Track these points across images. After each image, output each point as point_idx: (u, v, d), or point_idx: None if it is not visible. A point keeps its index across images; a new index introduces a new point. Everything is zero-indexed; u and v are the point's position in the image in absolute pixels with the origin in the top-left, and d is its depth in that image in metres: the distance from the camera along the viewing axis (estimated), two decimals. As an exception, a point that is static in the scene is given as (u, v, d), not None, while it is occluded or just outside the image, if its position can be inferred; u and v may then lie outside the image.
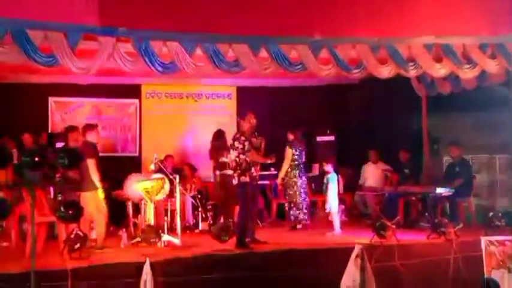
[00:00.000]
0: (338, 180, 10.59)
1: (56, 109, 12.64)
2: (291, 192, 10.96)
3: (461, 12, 9.21)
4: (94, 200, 8.75)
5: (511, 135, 10.44)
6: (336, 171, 10.70)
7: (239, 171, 9.00)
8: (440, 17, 9.21)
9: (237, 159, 9.04)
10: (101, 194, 8.84)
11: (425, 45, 9.50)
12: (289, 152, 10.82)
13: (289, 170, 10.89)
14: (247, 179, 8.98)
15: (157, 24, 8.33)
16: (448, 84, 11.18)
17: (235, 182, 9.09)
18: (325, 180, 10.58)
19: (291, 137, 11.01)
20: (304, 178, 11.03)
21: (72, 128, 9.39)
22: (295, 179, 10.89)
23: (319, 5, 8.89)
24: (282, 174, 10.93)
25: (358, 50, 9.36)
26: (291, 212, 11.01)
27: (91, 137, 9.07)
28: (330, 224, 10.46)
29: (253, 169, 9.11)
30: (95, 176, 8.73)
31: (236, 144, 9.07)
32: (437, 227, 9.26)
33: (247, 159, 9.00)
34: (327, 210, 10.51)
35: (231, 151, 9.19)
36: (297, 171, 10.91)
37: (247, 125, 9.18)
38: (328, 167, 10.54)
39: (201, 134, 12.80)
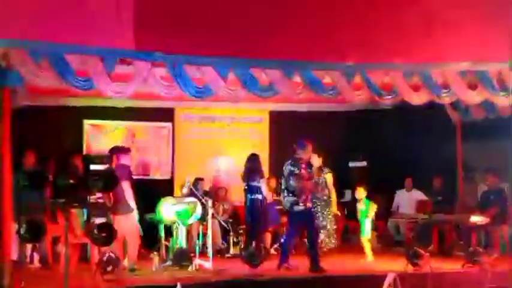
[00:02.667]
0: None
1: (91, 132, 12.80)
2: None
3: (496, 38, 9.11)
4: (128, 223, 8.83)
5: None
6: (368, 197, 10.63)
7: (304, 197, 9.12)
8: (474, 43, 9.12)
9: (299, 185, 9.13)
10: (135, 216, 8.92)
11: (459, 72, 9.43)
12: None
13: None
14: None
15: (192, 49, 8.40)
16: (483, 110, 11.06)
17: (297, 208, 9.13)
18: (359, 206, 10.51)
19: None
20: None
21: (119, 150, 9.45)
22: None
23: (352, 30, 8.87)
24: None
25: (391, 76, 9.33)
26: None
27: (125, 160, 9.17)
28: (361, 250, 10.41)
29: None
30: (131, 199, 8.82)
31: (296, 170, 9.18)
32: (472, 256, 9.12)
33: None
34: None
35: (291, 177, 9.17)
36: None
37: (307, 155, 9.28)
38: (361, 193, 10.48)
39: (233, 158, 12.85)
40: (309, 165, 9.36)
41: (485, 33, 9.09)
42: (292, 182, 9.20)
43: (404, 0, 8.86)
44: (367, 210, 10.42)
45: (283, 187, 9.37)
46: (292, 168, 9.25)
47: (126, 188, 8.79)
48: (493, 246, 10.26)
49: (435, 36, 8.99)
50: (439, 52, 9.19)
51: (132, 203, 8.90)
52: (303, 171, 9.25)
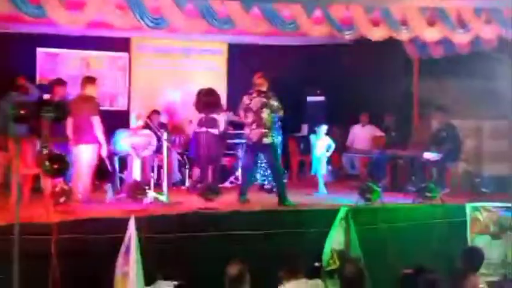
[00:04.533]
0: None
1: (44, 60, 12.47)
2: None
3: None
4: (90, 154, 8.76)
5: (500, 101, 10.43)
6: (328, 133, 10.70)
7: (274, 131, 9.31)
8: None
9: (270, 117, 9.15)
10: (102, 150, 8.85)
11: (419, 8, 9.39)
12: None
13: None
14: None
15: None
16: (441, 48, 11.09)
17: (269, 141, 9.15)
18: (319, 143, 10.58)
19: None
20: None
21: (59, 82, 9.30)
22: None
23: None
24: None
25: (351, 11, 9.24)
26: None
27: (90, 91, 9.00)
28: (315, 185, 10.54)
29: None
30: (99, 131, 8.73)
31: (271, 101, 9.15)
32: (423, 191, 9.28)
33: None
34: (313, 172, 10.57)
35: (264, 109, 9.10)
36: None
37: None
38: (323, 130, 10.55)
39: (190, 90, 12.72)
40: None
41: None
42: (263, 115, 9.12)
43: None
44: (327, 146, 10.52)
45: (250, 120, 9.21)
46: (264, 100, 9.15)
47: (96, 121, 8.70)
48: (444, 182, 10.45)
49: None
50: (399, -13, 9.12)
51: (101, 137, 8.80)
52: (274, 102, 9.17)
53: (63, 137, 8.72)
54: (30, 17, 7.89)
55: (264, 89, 9.26)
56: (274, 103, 9.17)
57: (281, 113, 9.37)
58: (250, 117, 9.19)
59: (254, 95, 9.23)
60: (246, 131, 9.37)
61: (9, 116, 6.24)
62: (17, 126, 7.12)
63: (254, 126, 9.16)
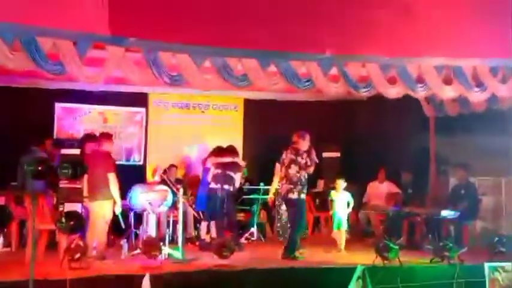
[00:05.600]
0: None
1: (62, 115, 12.61)
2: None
3: (473, 34, 9.12)
4: (103, 210, 8.76)
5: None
6: (348, 189, 10.64)
7: (300, 187, 9.50)
8: (451, 39, 9.12)
9: (298, 174, 9.51)
10: (117, 207, 8.86)
11: (435, 67, 9.43)
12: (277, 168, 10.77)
13: None
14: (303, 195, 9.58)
15: (168, 36, 8.29)
16: (457, 105, 11.12)
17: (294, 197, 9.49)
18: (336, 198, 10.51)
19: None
20: None
21: (90, 137, 9.37)
22: None
23: (330, 22, 8.82)
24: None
25: (367, 69, 9.31)
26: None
27: (108, 147, 9.07)
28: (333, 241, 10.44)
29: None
30: (115, 187, 8.76)
31: (299, 159, 9.53)
32: (441, 251, 9.15)
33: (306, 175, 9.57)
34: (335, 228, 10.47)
35: (292, 165, 9.51)
36: None
37: (306, 144, 9.66)
38: (340, 185, 10.51)
39: (207, 145, 12.76)
40: (308, 155, 9.66)
41: (461, 29, 9.09)
42: (291, 171, 9.52)
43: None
44: (346, 202, 10.44)
45: (282, 175, 9.70)
46: (293, 157, 9.56)
47: (112, 177, 8.73)
48: (462, 241, 10.32)
49: (412, 30, 8.97)
50: (415, 46, 9.17)
51: (116, 194, 8.82)
52: (301, 160, 9.55)
53: (80, 193, 8.73)
54: (50, 74, 7.99)
55: (299, 146, 9.64)
56: (302, 160, 9.51)
57: (310, 170, 9.69)
58: (282, 173, 9.70)
59: (289, 151, 9.67)
60: (280, 185, 9.91)
61: (27, 172, 6.30)
62: (34, 182, 7.22)
63: (284, 181, 9.62)
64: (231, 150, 10.76)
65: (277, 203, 11.40)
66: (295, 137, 9.72)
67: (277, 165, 10.38)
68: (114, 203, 8.93)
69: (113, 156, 9.26)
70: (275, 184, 10.82)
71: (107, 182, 8.80)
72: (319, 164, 13.06)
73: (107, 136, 9.28)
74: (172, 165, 11.77)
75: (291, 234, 9.61)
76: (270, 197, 11.19)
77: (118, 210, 9.03)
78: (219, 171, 10.42)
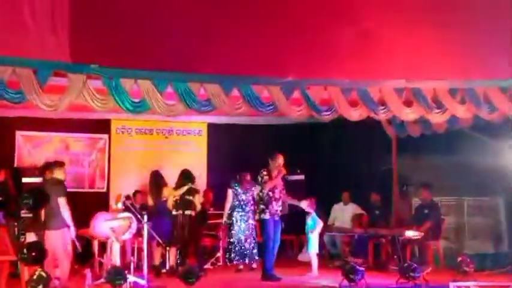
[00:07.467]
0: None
1: (23, 143, 12.44)
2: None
3: (432, 56, 9.26)
4: (61, 239, 8.57)
5: (479, 177, 10.52)
6: (316, 211, 10.62)
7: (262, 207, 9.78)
8: (411, 61, 9.25)
9: (260, 194, 9.84)
10: (71, 232, 8.67)
11: (395, 89, 9.55)
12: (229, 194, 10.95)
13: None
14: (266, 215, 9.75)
15: (129, 62, 8.26)
16: (418, 126, 11.26)
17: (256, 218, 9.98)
18: (308, 221, 10.47)
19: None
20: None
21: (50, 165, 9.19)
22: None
23: (291, 46, 8.88)
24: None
25: (329, 92, 9.39)
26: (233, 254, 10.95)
27: (59, 174, 8.91)
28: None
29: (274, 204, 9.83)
30: (67, 214, 8.56)
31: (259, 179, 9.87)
32: (406, 271, 9.19)
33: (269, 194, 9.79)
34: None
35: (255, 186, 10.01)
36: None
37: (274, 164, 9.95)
38: (310, 207, 10.47)
39: (171, 170, 12.68)
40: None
41: (421, 51, 9.22)
42: (264, 191, 9.81)
43: (343, 18, 8.89)
44: (315, 225, 10.41)
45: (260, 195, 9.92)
46: (267, 177, 9.84)
47: (62, 204, 8.53)
48: (426, 261, 10.40)
49: (372, 53, 9.07)
50: (376, 68, 9.26)
51: (68, 219, 8.63)
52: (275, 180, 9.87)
53: (41, 223, 8.55)
54: (11, 103, 7.89)
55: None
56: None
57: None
58: (276, 194, 9.93)
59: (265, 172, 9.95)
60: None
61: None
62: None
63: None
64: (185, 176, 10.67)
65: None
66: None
67: (229, 191, 10.80)
68: (68, 230, 8.72)
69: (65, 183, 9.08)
70: (226, 209, 10.95)
71: (59, 209, 8.60)
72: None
73: (58, 164, 9.12)
74: (136, 191, 11.66)
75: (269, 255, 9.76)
76: (223, 221, 11.14)
77: (72, 234, 8.80)
78: (177, 197, 10.37)
